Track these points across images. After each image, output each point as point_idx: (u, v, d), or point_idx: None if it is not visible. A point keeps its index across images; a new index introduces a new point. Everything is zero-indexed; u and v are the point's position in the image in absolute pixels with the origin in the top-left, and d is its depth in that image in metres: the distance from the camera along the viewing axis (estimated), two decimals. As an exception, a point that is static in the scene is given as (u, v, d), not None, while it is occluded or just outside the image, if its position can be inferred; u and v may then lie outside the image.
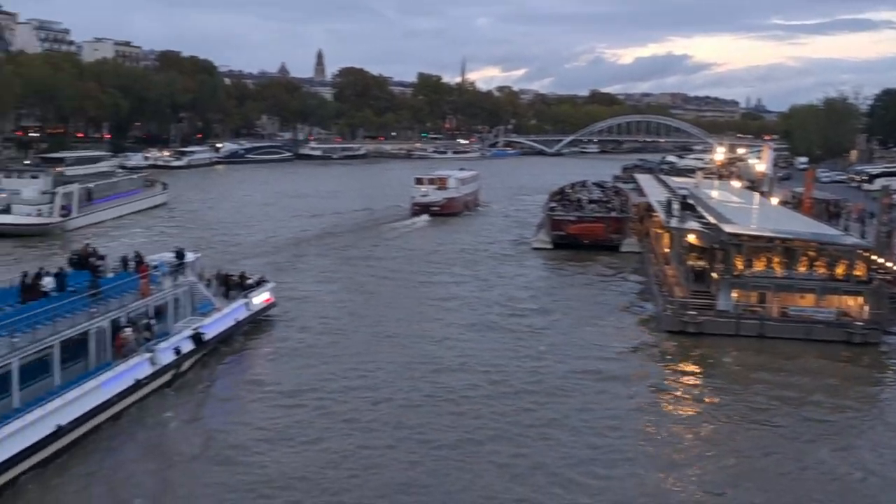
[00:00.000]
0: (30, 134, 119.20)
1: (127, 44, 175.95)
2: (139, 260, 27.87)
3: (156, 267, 27.73)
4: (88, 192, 59.75)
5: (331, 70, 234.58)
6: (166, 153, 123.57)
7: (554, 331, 32.26)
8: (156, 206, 69.98)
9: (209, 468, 19.69)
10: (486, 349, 29.46)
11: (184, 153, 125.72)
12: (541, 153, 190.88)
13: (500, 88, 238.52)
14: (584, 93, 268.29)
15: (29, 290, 23.69)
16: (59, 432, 19.44)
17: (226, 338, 29.04)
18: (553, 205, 55.54)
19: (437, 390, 24.95)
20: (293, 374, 26.29)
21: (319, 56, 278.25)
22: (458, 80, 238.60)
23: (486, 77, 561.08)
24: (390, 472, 19.48)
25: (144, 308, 25.87)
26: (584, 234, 50.94)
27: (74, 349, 22.26)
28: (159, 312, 26.71)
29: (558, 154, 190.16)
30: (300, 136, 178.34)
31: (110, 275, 26.74)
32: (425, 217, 64.76)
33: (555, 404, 24.09)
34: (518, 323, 33.37)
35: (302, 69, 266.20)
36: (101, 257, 27.93)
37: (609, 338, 31.45)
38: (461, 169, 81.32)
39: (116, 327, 23.91)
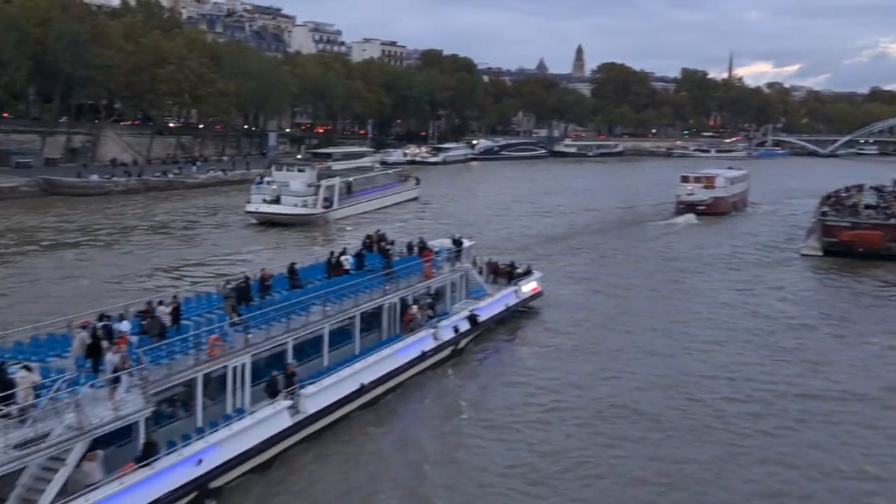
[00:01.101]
0: (302, 130, 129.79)
1: (392, 44, 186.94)
2: (423, 246, 30.86)
3: (437, 252, 30.47)
4: (348, 185, 64.71)
5: (590, 66, 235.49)
6: (424, 150, 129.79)
7: (822, 347, 30.66)
8: (408, 201, 73.92)
9: (483, 443, 21.05)
10: (744, 362, 28.31)
11: (440, 150, 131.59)
12: (813, 154, 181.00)
13: (771, 85, 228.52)
14: (864, 90, 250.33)
15: (334, 266, 27.25)
16: (362, 390, 22.32)
17: (497, 321, 31.14)
18: (825, 209, 52.79)
19: (690, 403, 24.10)
20: (552, 368, 27.12)
21: (579, 51, 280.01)
22: (725, 75, 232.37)
23: (755, 73, 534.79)
24: (641, 486, 19.00)
25: (427, 289, 28.64)
26: (858, 242, 47.94)
27: (370, 321, 25.39)
28: (439, 294, 29.44)
29: (832, 155, 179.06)
30: (555, 133, 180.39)
31: (397, 258, 29.72)
32: (690, 216, 63.66)
33: (821, 427, 22.78)
34: (781, 337, 31.83)
35: (560, 65, 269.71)
36: (391, 242, 31.11)
37: (883, 358, 29.56)
38: (730, 168, 79.39)
39: (404, 304, 26.83)
